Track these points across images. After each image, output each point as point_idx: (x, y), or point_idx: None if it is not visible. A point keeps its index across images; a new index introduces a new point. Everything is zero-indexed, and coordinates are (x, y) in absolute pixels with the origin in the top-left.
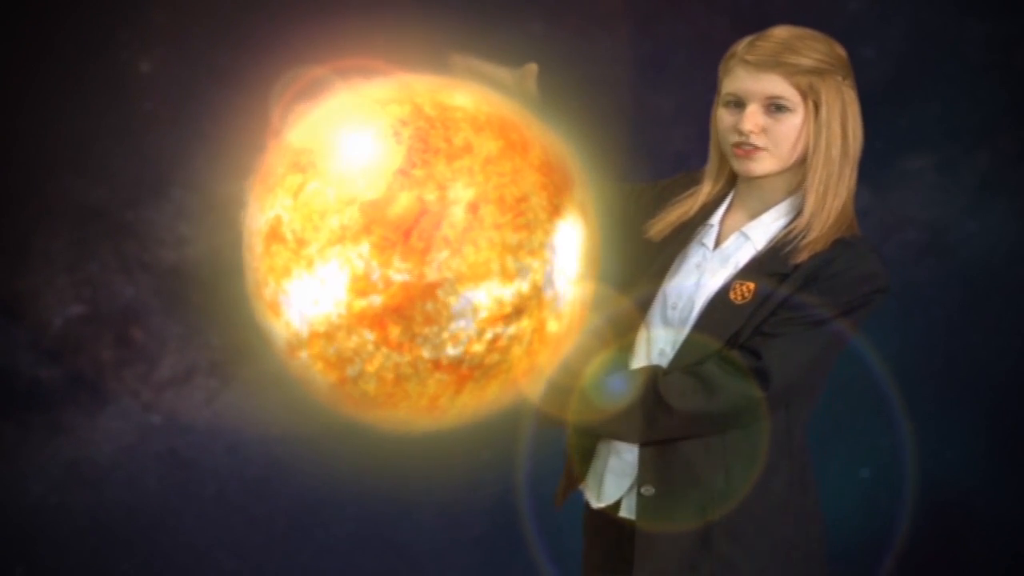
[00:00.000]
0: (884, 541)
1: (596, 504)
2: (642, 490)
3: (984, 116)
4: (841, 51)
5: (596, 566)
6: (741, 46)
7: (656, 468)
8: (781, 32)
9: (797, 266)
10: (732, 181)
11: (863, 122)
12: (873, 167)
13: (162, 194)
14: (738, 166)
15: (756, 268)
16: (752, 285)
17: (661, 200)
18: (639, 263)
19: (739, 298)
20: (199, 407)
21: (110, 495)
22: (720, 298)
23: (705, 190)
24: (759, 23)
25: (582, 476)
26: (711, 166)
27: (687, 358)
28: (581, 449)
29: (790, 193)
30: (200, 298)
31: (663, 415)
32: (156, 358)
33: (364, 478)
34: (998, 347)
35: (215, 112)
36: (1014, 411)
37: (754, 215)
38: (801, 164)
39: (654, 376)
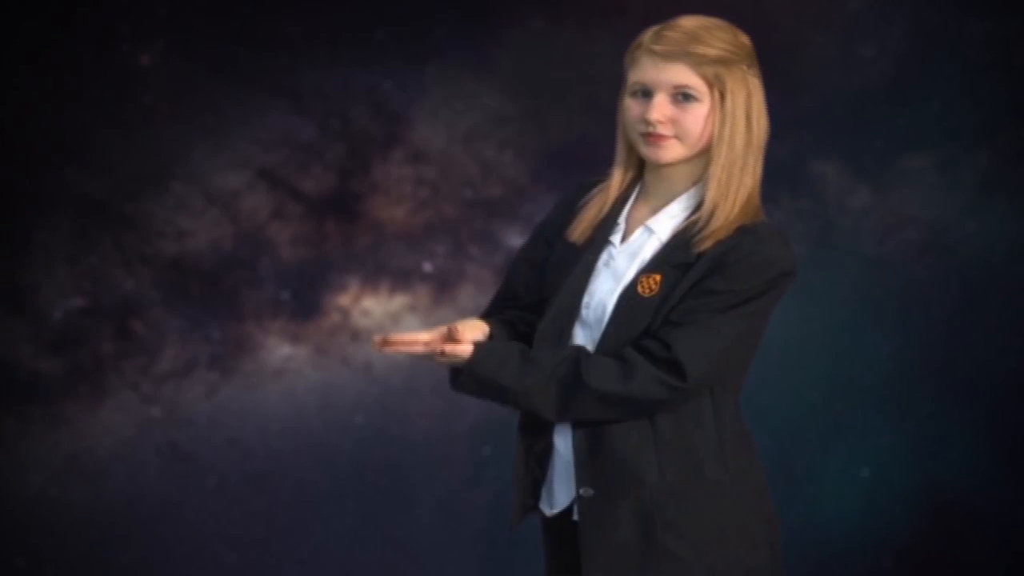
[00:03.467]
0: (884, 541)
1: (549, 512)
2: (581, 492)
3: (984, 116)
4: (746, 40)
5: (558, 571)
6: (647, 36)
7: (591, 468)
8: (687, 22)
9: (701, 255)
10: (640, 172)
11: (768, 112)
12: (873, 167)
13: (162, 187)
14: (648, 152)
15: (661, 260)
16: (658, 277)
17: (567, 209)
18: (563, 268)
19: (646, 291)
20: (199, 400)
21: (110, 487)
22: (628, 293)
23: (615, 183)
24: (759, 21)
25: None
26: (619, 157)
27: (606, 353)
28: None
29: (694, 183)
30: (200, 291)
31: (579, 392)
32: (156, 351)
33: (364, 473)
34: (998, 347)
35: (215, 105)
36: (1014, 411)
37: (659, 207)
38: (706, 153)
39: (577, 354)
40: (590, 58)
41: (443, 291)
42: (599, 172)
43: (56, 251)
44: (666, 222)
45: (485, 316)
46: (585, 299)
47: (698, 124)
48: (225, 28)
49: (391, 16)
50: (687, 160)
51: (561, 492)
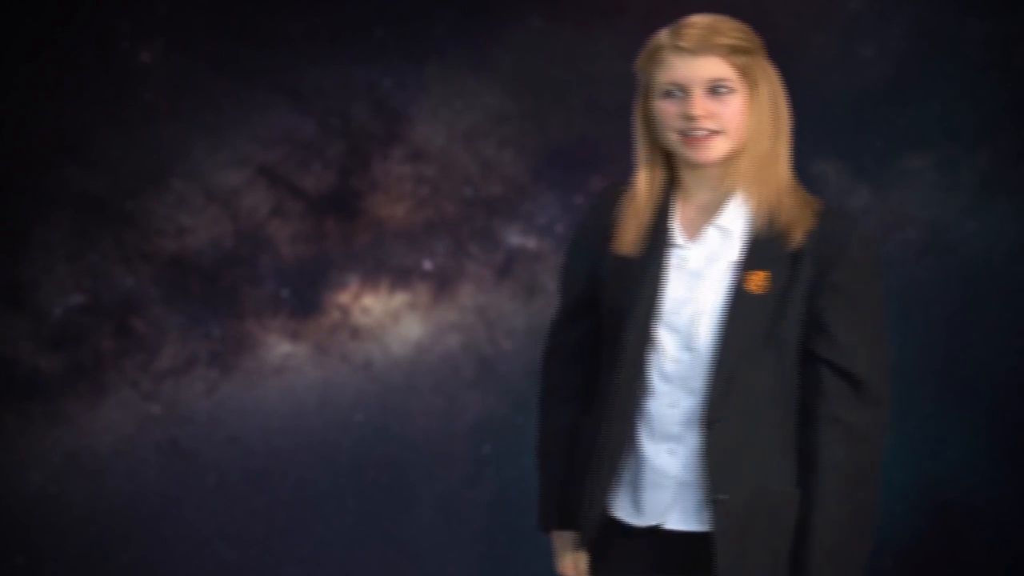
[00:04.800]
0: (884, 541)
1: (639, 522)
2: (716, 497)
3: (984, 116)
4: (754, 31)
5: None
6: (664, 37)
7: (725, 477)
8: (700, 18)
9: (799, 248)
10: (667, 173)
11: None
12: (873, 167)
13: (162, 184)
14: (691, 155)
15: (758, 256)
16: (765, 273)
17: (601, 225)
18: (625, 279)
19: (757, 288)
20: (199, 397)
21: (110, 485)
22: (738, 292)
23: (643, 188)
24: (759, 19)
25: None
26: (643, 161)
27: (729, 357)
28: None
29: (750, 177)
30: (200, 288)
31: (873, 497)
32: (156, 348)
33: (364, 471)
34: (998, 347)
35: (215, 103)
36: (1014, 411)
37: (708, 205)
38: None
39: (837, 488)
40: (590, 57)
41: (443, 289)
42: (600, 170)
43: (56, 248)
44: (734, 219)
45: (562, 334)
46: (668, 305)
47: (737, 115)
48: (225, 26)
49: (391, 14)
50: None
51: (655, 503)
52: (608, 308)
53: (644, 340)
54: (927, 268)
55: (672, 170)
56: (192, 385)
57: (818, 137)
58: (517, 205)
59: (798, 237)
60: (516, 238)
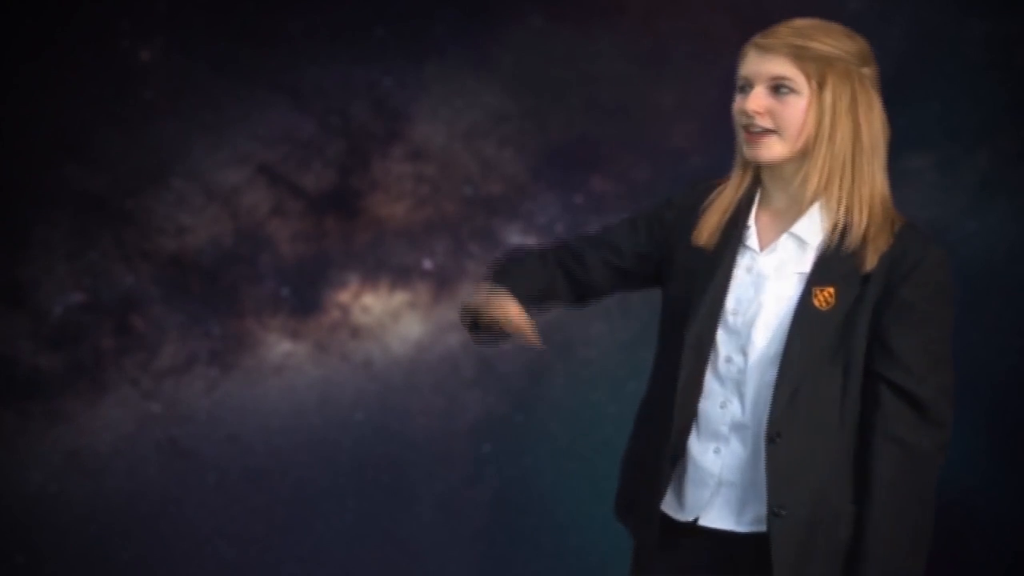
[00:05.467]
0: None
1: (681, 517)
2: (775, 510)
3: (984, 116)
4: (863, 44)
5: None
6: (760, 34)
7: (787, 487)
8: (800, 21)
9: (870, 270)
10: (755, 176)
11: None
12: None
13: (162, 183)
14: (747, 152)
15: (827, 271)
16: (832, 290)
17: (668, 219)
18: (696, 273)
19: (823, 304)
20: (199, 396)
21: (110, 484)
22: (805, 307)
23: (734, 185)
24: (759, 20)
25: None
26: (738, 162)
27: (793, 371)
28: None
29: (816, 185)
30: (200, 287)
31: (928, 518)
32: (156, 347)
33: (364, 470)
34: (998, 347)
35: (215, 101)
36: (1014, 411)
37: (786, 210)
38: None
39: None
40: (590, 56)
41: (443, 288)
42: (600, 170)
43: (56, 247)
44: (811, 229)
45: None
46: (730, 305)
47: (796, 117)
48: (225, 25)
49: (391, 13)
50: (791, 159)
51: (692, 496)
52: (673, 296)
53: (706, 337)
54: None
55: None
56: (192, 384)
57: None
58: (517, 204)
59: (872, 256)
60: (516, 237)
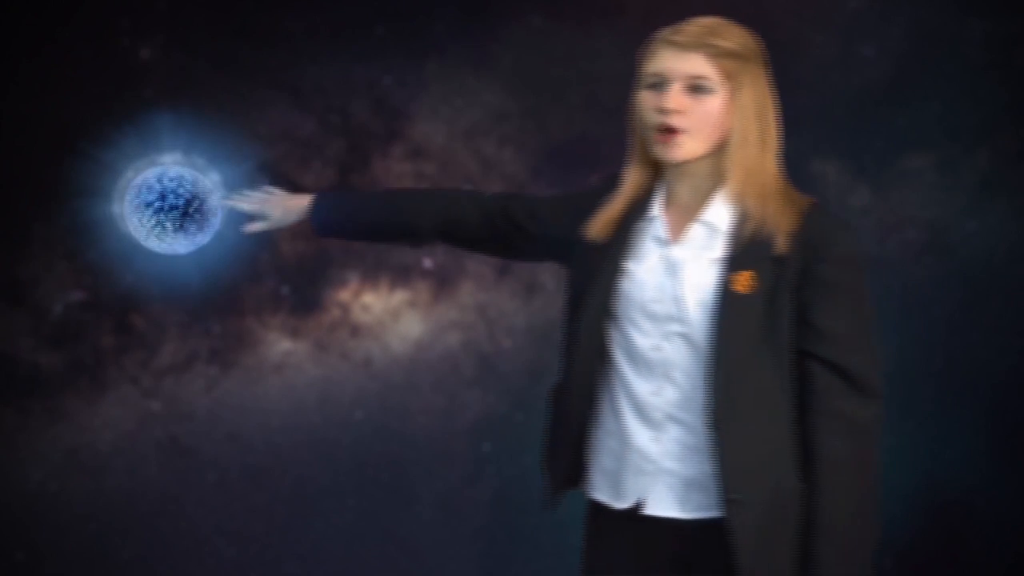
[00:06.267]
0: (884, 541)
1: (619, 505)
2: (731, 496)
3: (984, 116)
4: (760, 45)
5: (608, 566)
6: (666, 30)
7: (739, 473)
8: (705, 19)
9: (785, 249)
10: (656, 171)
11: (778, 119)
12: (873, 167)
13: None
14: (661, 150)
15: (744, 256)
16: (750, 273)
17: (578, 207)
18: (589, 265)
19: (744, 288)
20: (199, 394)
21: (110, 482)
22: (724, 292)
23: (629, 183)
24: (759, 20)
25: (579, 477)
26: (633, 155)
27: (725, 357)
28: (576, 445)
29: (717, 177)
30: (200, 286)
31: (874, 490)
32: (156, 345)
33: (364, 469)
34: (998, 347)
35: (215, 100)
36: (1014, 411)
37: (692, 202)
38: (723, 149)
39: (837, 483)
40: (590, 55)
41: (443, 287)
42: (599, 168)
43: (56, 245)
44: (719, 217)
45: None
46: (651, 294)
47: (711, 116)
48: (225, 23)
49: (392, 12)
50: (703, 157)
51: (634, 485)
52: (569, 284)
53: (598, 326)
54: (927, 268)
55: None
56: (192, 382)
57: (818, 137)
58: None
59: (783, 238)
60: None
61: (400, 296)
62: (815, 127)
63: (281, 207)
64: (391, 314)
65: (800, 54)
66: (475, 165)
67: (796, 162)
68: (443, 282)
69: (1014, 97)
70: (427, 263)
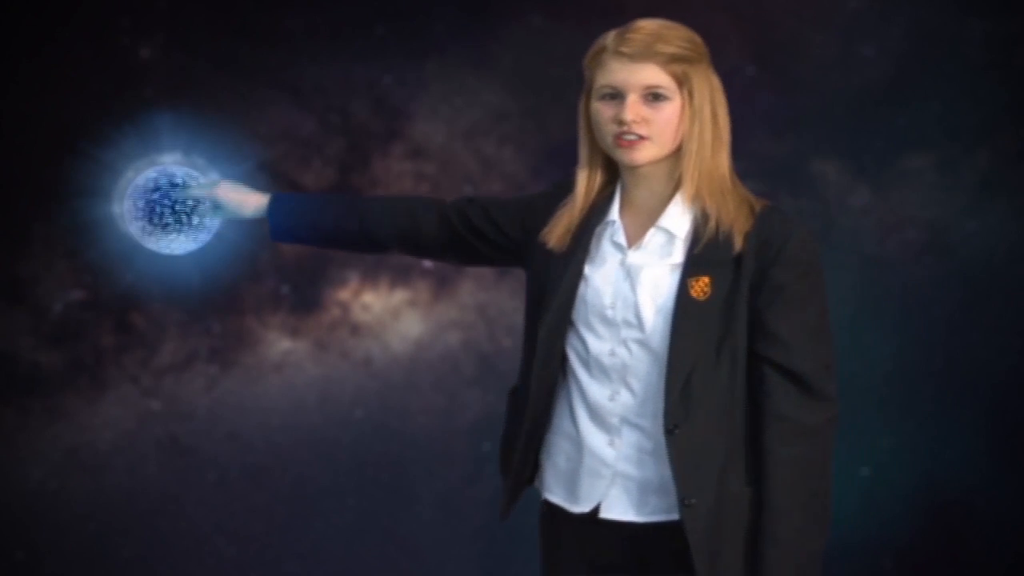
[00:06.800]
0: (884, 541)
1: (576, 509)
2: (686, 501)
3: (984, 116)
4: (701, 39)
5: (566, 569)
6: (610, 39)
7: (693, 478)
8: (647, 24)
9: (739, 252)
10: (609, 176)
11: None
12: (873, 167)
13: None
14: (622, 156)
15: (700, 261)
16: (708, 279)
17: (530, 208)
18: (548, 269)
19: (700, 295)
20: (199, 394)
21: (110, 481)
22: (683, 298)
23: (582, 188)
24: (759, 20)
25: (531, 477)
26: (584, 161)
27: (681, 363)
28: (531, 447)
29: (675, 180)
30: (200, 285)
31: (826, 492)
32: (156, 344)
33: (364, 468)
34: (998, 347)
35: (216, 99)
36: (1014, 411)
37: (648, 207)
38: (679, 152)
39: (791, 483)
40: None
41: (443, 286)
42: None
43: (56, 244)
44: (676, 222)
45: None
46: (608, 299)
47: (671, 123)
48: (225, 22)
49: (392, 11)
50: (662, 160)
51: (588, 487)
52: (528, 288)
53: (558, 332)
54: (927, 268)
55: (615, 171)
56: (192, 381)
57: (818, 137)
58: None
59: (738, 240)
60: None
61: (400, 295)
62: (815, 127)
63: (236, 199)
64: (391, 313)
65: (800, 54)
66: (475, 165)
67: (796, 162)
68: (443, 281)
69: (1014, 97)
70: (427, 262)
